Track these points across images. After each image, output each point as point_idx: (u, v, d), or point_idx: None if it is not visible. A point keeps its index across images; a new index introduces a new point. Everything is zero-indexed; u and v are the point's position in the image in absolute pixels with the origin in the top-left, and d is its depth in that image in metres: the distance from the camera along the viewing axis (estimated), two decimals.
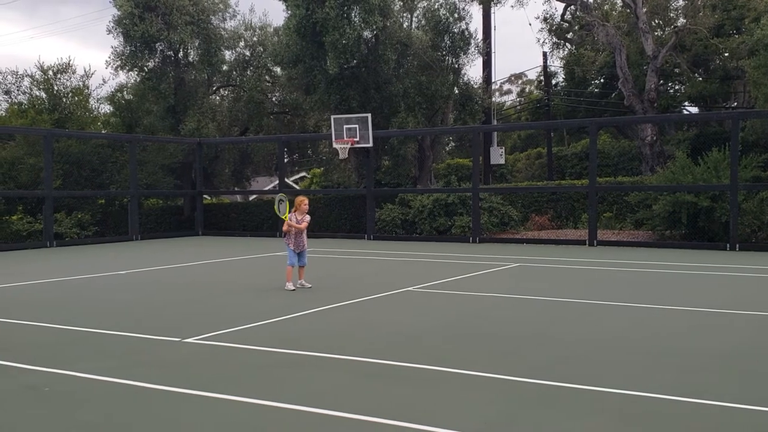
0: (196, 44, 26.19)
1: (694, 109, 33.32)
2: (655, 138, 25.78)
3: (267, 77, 28.82)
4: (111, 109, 27.81)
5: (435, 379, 6.07)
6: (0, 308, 9.72)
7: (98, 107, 27.42)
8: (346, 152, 22.00)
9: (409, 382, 6.00)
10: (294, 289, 11.08)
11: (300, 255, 11.33)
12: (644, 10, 25.84)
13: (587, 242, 19.49)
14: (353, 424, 4.94)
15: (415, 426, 4.83)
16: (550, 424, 4.90)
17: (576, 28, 32.61)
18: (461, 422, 4.90)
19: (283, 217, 11.38)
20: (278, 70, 27.81)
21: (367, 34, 22.85)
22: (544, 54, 35.37)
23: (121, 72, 26.29)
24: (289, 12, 23.10)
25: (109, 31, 25.77)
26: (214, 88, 29.16)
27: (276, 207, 11.58)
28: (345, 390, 5.76)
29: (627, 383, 5.82)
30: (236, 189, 31.18)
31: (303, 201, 11.44)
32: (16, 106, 25.41)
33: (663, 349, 7.08)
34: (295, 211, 11.29)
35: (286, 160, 28.84)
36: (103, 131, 27.13)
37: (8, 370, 6.43)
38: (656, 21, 30.08)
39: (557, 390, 5.68)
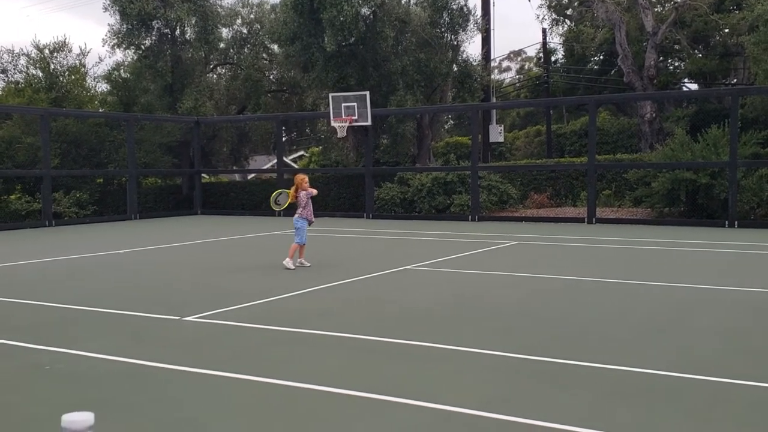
0: (193, 22, 25.97)
1: (694, 86, 33.21)
2: (654, 115, 25.71)
3: (264, 55, 28.63)
4: (108, 87, 27.66)
5: (433, 356, 6.11)
6: (0, 287, 9.75)
7: (95, 86, 27.31)
8: (345, 131, 21.91)
9: (408, 359, 6.03)
10: (293, 268, 11.10)
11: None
12: None
13: (586, 220, 19.51)
14: (353, 400, 4.98)
15: (413, 402, 4.87)
16: (548, 400, 4.94)
17: (575, 4, 32.41)
18: (460, 399, 4.94)
19: (280, 208, 11.69)
20: (275, 47, 27.62)
21: (365, 10, 22.66)
22: (544, 31, 35.21)
23: (117, 50, 26.15)
24: None
25: (106, 9, 25.59)
26: (211, 66, 28.98)
27: (273, 200, 11.68)
28: (344, 367, 5.79)
29: (624, 359, 5.86)
30: (234, 168, 31.13)
31: (303, 179, 11.47)
32: (12, 85, 25.28)
33: (660, 326, 7.12)
34: (297, 191, 11.30)
35: (284, 139, 28.73)
36: (100, 110, 27.02)
37: (11, 349, 6.46)
38: None
39: (555, 366, 5.71)
